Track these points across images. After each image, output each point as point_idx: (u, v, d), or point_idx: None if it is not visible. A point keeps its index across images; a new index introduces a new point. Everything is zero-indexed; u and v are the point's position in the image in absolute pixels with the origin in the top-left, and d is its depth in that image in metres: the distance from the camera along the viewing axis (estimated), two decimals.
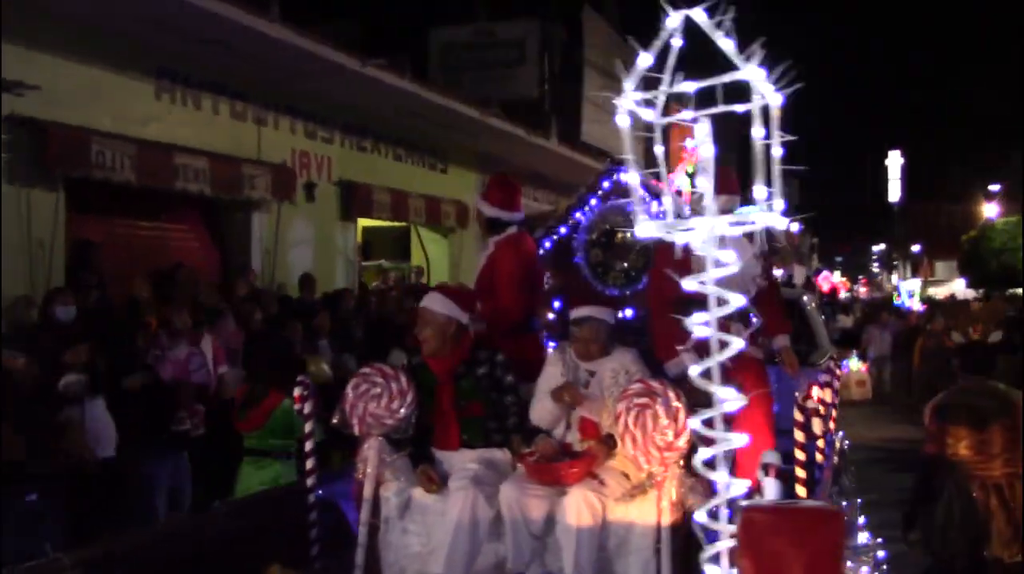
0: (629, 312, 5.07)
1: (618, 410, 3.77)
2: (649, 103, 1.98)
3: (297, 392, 4.22)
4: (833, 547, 1.84)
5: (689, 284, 1.94)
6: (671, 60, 1.96)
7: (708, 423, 1.91)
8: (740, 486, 1.91)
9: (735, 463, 3.79)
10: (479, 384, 4.16)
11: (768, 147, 1.86)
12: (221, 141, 10.52)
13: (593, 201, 5.37)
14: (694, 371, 1.93)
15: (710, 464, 1.93)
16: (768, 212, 1.84)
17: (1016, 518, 4.83)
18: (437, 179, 15.42)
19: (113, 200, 9.34)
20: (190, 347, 7.15)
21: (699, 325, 1.90)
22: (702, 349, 3.47)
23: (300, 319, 8.75)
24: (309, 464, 4.29)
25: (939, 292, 32.93)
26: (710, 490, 3.72)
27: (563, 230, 5.43)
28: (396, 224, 15.09)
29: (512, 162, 16.51)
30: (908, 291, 27.33)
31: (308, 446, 4.30)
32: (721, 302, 1.90)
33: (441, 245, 16.02)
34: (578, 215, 5.40)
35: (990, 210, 38.40)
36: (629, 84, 1.95)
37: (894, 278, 52.68)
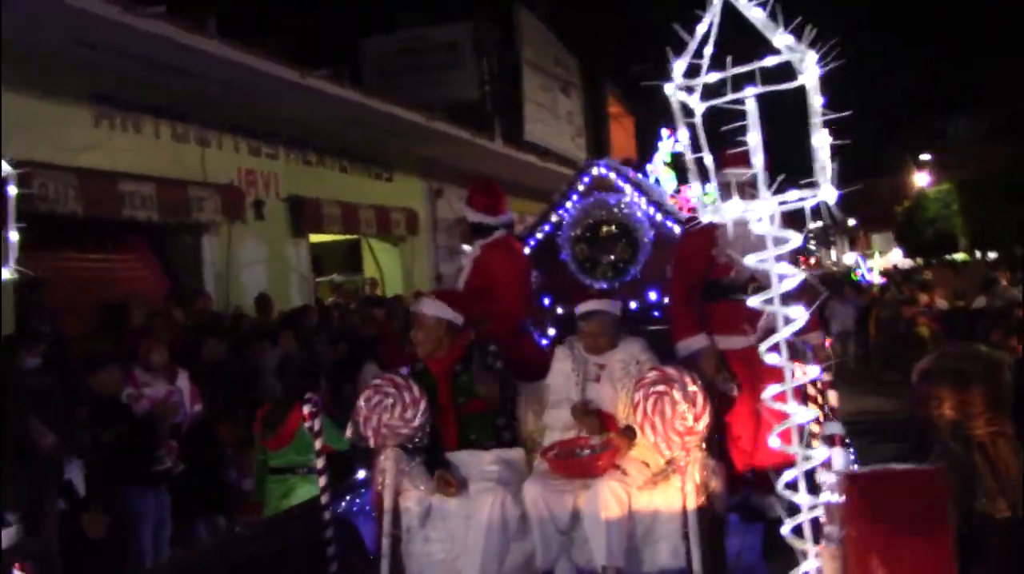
0: (634, 304, 5.16)
1: (635, 399, 3.85)
2: (690, 90, 2.04)
3: (307, 410, 4.21)
4: (941, 505, 1.92)
5: (751, 260, 2.01)
6: (707, 47, 2.03)
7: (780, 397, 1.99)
8: (820, 456, 1.99)
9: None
10: (475, 378, 4.20)
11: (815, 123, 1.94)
12: (165, 165, 10.33)
13: (575, 197, 5.45)
14: (762, 348, 2.00)
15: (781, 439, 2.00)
16: (821, 188, 1.93)
17: (1000, 474, 5.04)
18: (384, 188, 15.38)
19: (59, 233, 9.10)
20: (168, 385, 6.99)
21: (762, 302, 1.99)
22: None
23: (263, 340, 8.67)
24: (322, 481, 4.28)
25: (880, 264, 34.03)
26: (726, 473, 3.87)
27: (547, 228, 5.50)
28: (343, 238, 15.00)
29: (457, 165, 16.55)
30: (868, 265, 28.24)
31: (321, 463, 4.29)
32: (753, 288, 1.99)
33: (392, 255, 15.97)
34: (560, 212, 5.47)
35: (921, 179, 39.76)
36: (678, 68, 2.00)
37: (832, 254, 54.14)
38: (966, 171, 35.30)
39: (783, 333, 1.98)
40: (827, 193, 1.92)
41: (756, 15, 1.91)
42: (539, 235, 5.48)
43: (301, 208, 13.00)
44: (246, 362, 8.22)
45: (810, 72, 1.94)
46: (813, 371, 1.97)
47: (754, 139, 2.02)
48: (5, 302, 7.95)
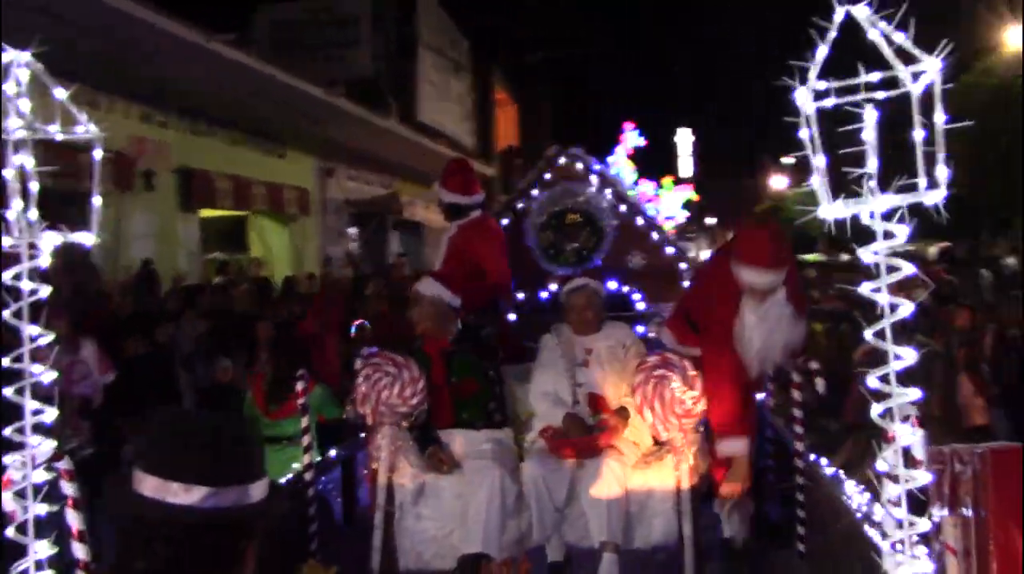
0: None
1: (636, 382, 4.14)
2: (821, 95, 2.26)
3: (300, 386, 4.28)
4: None
5: (866, 255, 2.26)
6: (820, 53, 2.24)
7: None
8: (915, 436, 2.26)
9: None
10: (469, 359, 4.39)
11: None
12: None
13: (542, 185, 5.68)
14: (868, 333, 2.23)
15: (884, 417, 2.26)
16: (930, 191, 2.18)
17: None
18: (277, 165, 15.04)
19: None
20: (70, 355, 6.74)
21: (872, 290, 2.24)
22: None
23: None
24: (307, 458, 4.35)
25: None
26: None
27: (512, 214, 5.71)
28: (229, 214, 14.60)
29: (349, 144, 16.40)
30: None
31: (307, 440, 4.37)
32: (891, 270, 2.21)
33: (282, 234, 15.65)
34: (527, 200, 5.70)
35: (780, 182, 42.18)
36: (812, 73, 2.22)
37: (692, 251, 56.63)
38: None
39: (890, 319, 2.24)
40: (936, 195, 2.18)
41: (874, 34, 2.18)
42: (504, 221, 5.68)
43: (192, 181, 12.60)
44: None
45: (918, 84, 2.19)
46: (910, 355, 2.24)
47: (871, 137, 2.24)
48: None
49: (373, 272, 16.47)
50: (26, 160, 2.63)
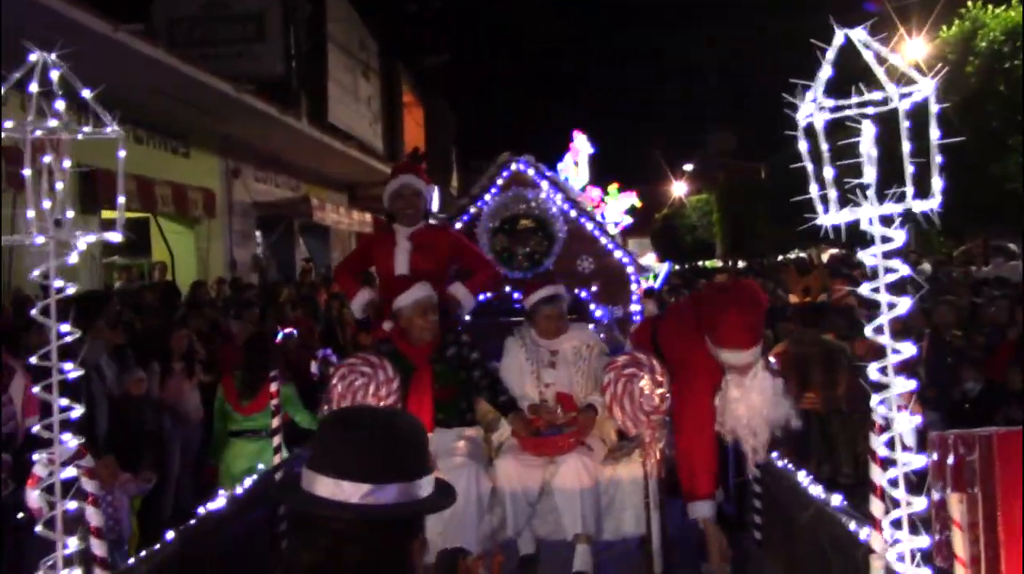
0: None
1: (606, 381, 4.45)
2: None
3: (273, 387, 4.42)
4: None
5: (866, 257, 2.58)
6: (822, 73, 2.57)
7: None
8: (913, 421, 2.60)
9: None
10: (450, 365, 4.61)
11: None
12: None
13: (494, 190, 5.95)
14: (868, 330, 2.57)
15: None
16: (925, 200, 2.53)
17: (830, 442, 6.25)
18: (181, 164, 14.68)
19: None
20: None
21: (872, 290, 2.57)
22: None
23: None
24: (277, 458, 4.52)
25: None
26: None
27: (465, 218, 5.96)
28: (131, 215, 14.25)
29: (256, 145, 16.23)
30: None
31: (277, 441, 4.53)
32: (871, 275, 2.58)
33: (187, 237, 15.24)
34: (479, 204, 5.96)
35: (679, 188, 43.63)
36: (811, 95, 2.55)
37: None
38: (724, 181, 39.27)
39: (887, 316, 2.59)
40: (931, 202, 2.54)
41: (867, 55, 2.54)
42: (458, 225, 5.92)
43: (93, 180, 12.25)
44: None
45: (905, 103, 2.54)
46: (909, 349, 2.60)
47: (867, 149, 2.58)
48: None
49: (282, 278, 16.40)
50: (54, 159, 2.74)
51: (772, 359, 5.03)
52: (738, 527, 4.82)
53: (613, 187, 6.45)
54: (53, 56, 2.79)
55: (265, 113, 14.90)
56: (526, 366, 4.75)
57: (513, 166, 5.99)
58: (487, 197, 5.97)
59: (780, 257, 27.24)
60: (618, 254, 5.99)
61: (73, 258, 2.77)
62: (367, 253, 5.48)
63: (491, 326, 5.52)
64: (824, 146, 2.52)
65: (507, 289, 5.84)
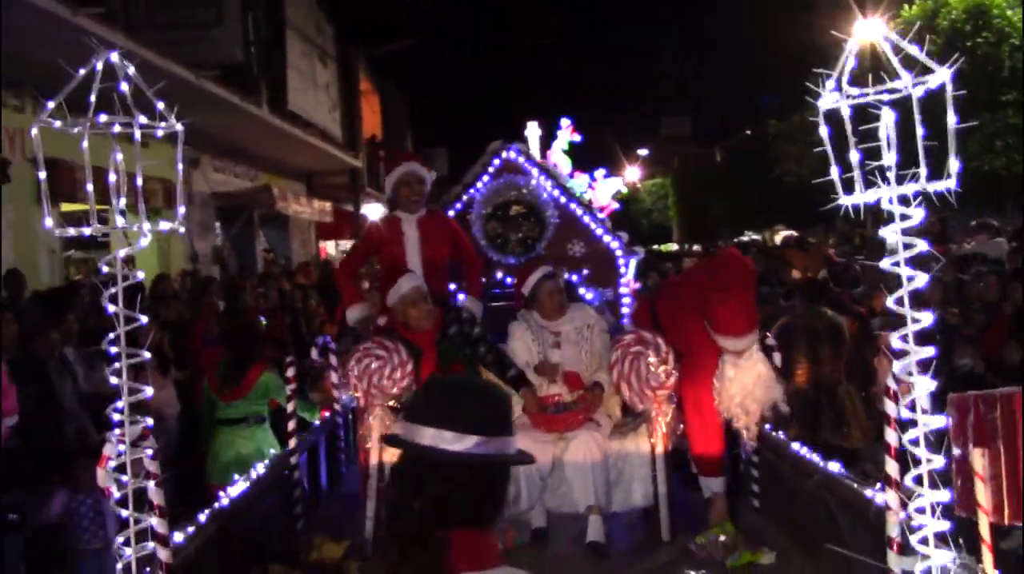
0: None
1: (613, 359, 4.70)
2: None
3: (291, 373, 4.60)
4: None
5: (887, 234, 2.83)
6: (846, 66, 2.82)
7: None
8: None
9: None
10: (454, 344, 4.83)
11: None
12: None
13: (486, 178, 6.15)
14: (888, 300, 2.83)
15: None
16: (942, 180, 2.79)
17: (839, 410, 6.61)
18: (133, 152, 14.62)
19: None
20: None
21: (892, 264, 2.82)
22: None
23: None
24: (293, 441, 4.71)
25: None
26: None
27: (459, 205, 6.15)
28: (86, 208, 14.05)
29: (215, 134, 16.12)
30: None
31: (292, 425, 4.71)
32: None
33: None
34: (472, 191, 6.15)
35: (633, 173, 44.20)
36: (830, 84, 2.80)
37: None
38: (679, 166, 39.89)
39: (907, 288, 2.85)
40: (948, 182, 2.80)
41: (886, 47, 2.80)
42: (451, 212, 6.11)
43: (53, 172, 12.11)
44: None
45: (918, 89, 2.80)
46: (927, 318, 2.86)
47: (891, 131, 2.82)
48: None
49: (242, 269, 16.33)
50: (124, 154, 2.90)
51: (769, 335, 5.32)
52: (732, 494, 5.12)
53: (600, 173, 6.68)
54: (115, 56, 2.90)
55: (227, 101, 14.81)
56: (533, 347, 4.98)
57: (504, 154, 6.19)
58: (479, 184, 6.16)
59: (736, 239, 27.81)
60: (607, 238, 6.24)
61: (145, 242, 2.94)
62: (372, 246, 5.60)
63: (484, 309, 5.73)
64: (850, 131, 2.77)
65: (499, 275, 6.06)
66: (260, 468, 4.58)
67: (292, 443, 4.86)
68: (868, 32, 2.84)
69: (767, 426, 4.90)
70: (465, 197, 6.19)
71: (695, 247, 32.71)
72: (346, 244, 25.71)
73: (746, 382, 4.64)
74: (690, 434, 4.84)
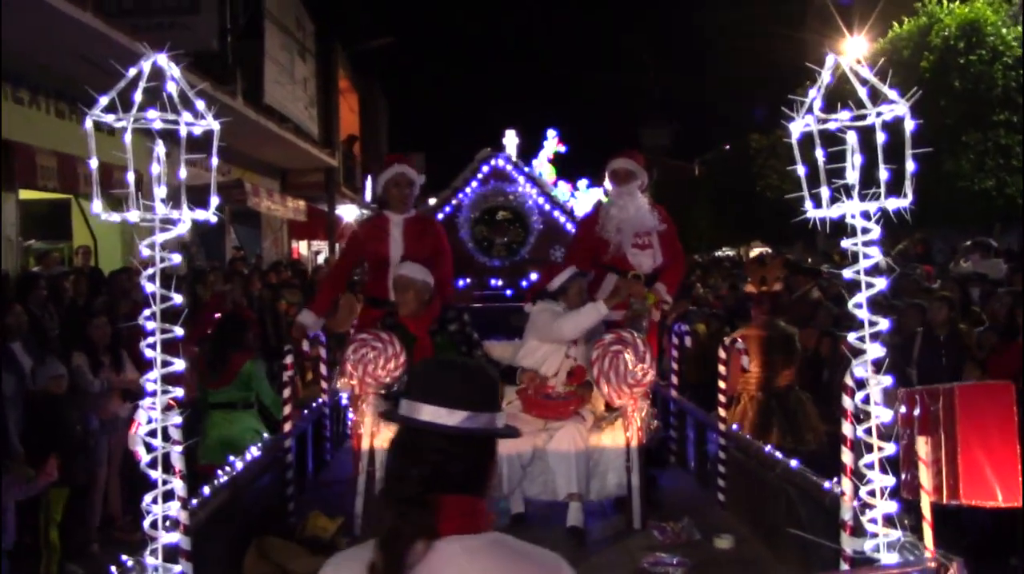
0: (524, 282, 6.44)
1: (593, 357, 5.17)
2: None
3: (289, 360, 5.04)
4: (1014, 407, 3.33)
5: (847, 244, 3.32)
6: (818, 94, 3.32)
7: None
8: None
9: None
10: (452, 339, 5.28)
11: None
12: None
13: (475, 184, 6.69)
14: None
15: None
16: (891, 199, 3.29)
17: (791, 415, 7.19)
18: (107, 141, 14.59)
19: None
20: None
21: (854, 272, 3.32)
22: None
23: None
24: (288, 426, 5.22)
25: None
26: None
27: (448, 209, 6.67)
28: (51, 196, 14.08)
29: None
30: None
31: (287, 410, 5.18)
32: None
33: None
34: (461, 196, 6.69)
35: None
36: (802, 112, 3.30)
37: None
38: (659, 177, 40.57)
39: (865, 294, 3.34)
40: (904, 201, 3.29)
41: (857, 81, 3.29)
42: (440, 215, 6.60)
43: (11, 156, 12.04)
44: None
45: (879, 119, 3.29)
46: (884, 322, 3.35)
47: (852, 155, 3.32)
48: None
49: (212, 266, 16.49)
50: (161, 149, 3.32)
51: (740, 341, 5.85)
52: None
53: (582, 183, 7.26)
54: (163, 55, 3.33)
55: (199, 88, 14.95)
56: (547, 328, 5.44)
57: (493, 161, 6.74)
58: (468, 190, 6.70)
59: (716, 253, 28.51)
60: None
61: (182, 228, 3.37)
62: (359, 247, 6.03)
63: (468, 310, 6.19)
64: (820, 152, 3.26)
65: (484, 277, 6.57)
66: (254, 450, 4.99)
67: (287, 427, 5.30)
68: (841, 61, 3.33)
69: (734, 426, 5.43)
70: (454, 201, 6.72)
71: None
72: (319, 244, 25.84)
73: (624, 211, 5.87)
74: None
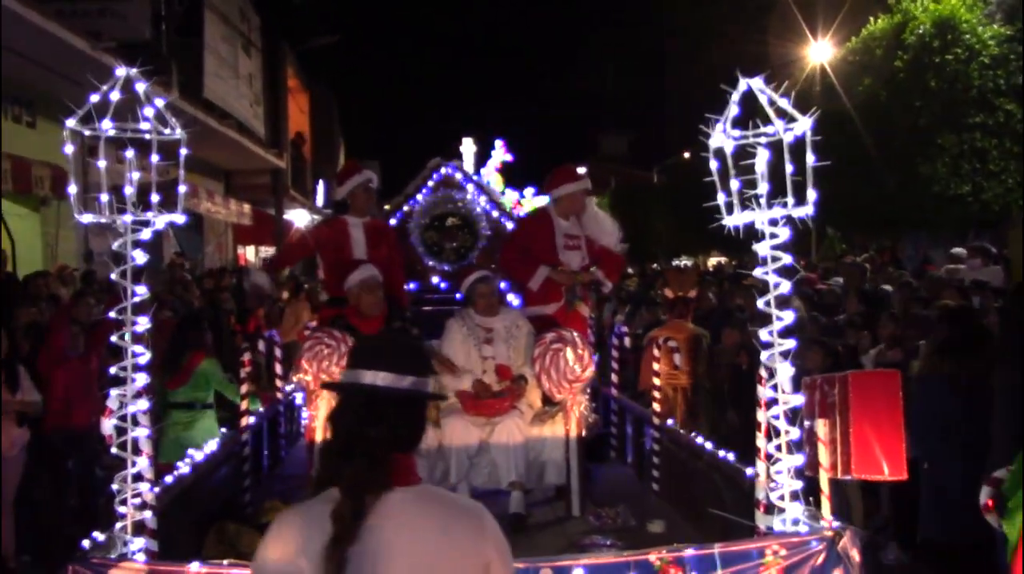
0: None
1: (535, 354, 5.76)
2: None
3: (247, 357, 5.59)
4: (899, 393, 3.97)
5: (760, 248, 3.93)
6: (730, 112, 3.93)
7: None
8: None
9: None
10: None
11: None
12: None
13: (425, 191, 7.32)
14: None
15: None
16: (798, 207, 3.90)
17: (692, 406, 8.10)
18: (23, 135, 13.75)
19: None
20: None
21: (764, 273, 3.92)
22: None
23: None
24: (244, 421, 5.85)
25: None
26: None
27: (399, 215, 7.30)
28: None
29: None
30: None
31: (244, 405, 5.70)
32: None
33: (31, 221, 14.36)
34: (412, 203, 7.31)
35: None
36: (719, 127, 3.90)
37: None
38: (617, 185, 41.38)
39: (774, 293, 3.94)
40: (806, 209, 3.91)
41: (762, 98, 3.90)
42: (392, 221, 7.21)
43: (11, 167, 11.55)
44: None
45: (788, 135, 3.91)
46: (789, 316, 3.97)
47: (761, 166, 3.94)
48: None
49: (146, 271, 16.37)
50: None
51: (673, 340, 6.52)
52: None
53: (528, 191, 7.95)
54: (134, 71, 3.84)
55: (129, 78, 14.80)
56: (468, 341, 6.01)
57: (443, 170, 7.38)
58: (419, 197, 7.32)
59: (674, 262, 29.33)
60: None
61: (145, 234, 3.86)
62: (315, 243, 6.56)
63: (418, 314, 6.78)
64: (731, 165, 3.87)
65: (434, 280, 7.18)
66: (212, 445, 5.50)
67: (244, 422, 5.84)
68: (751, 83, 3.94)
69: (669, 421, 6.10)
70: (406, 207, 7.34)
71: (629, 270, 34.28)
72: (268, 250, 25.45)
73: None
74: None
